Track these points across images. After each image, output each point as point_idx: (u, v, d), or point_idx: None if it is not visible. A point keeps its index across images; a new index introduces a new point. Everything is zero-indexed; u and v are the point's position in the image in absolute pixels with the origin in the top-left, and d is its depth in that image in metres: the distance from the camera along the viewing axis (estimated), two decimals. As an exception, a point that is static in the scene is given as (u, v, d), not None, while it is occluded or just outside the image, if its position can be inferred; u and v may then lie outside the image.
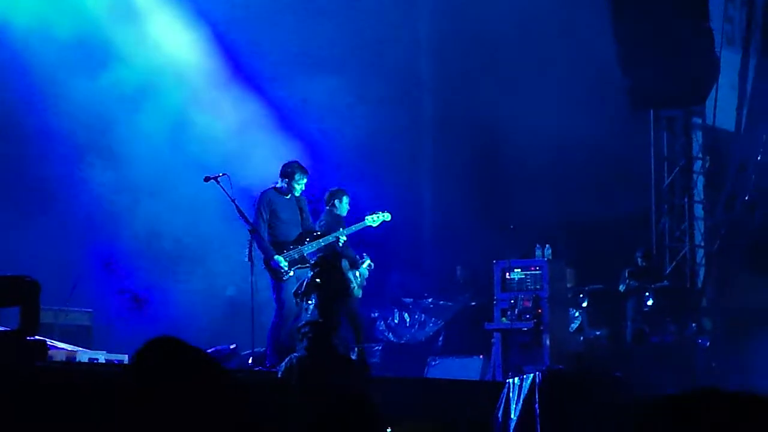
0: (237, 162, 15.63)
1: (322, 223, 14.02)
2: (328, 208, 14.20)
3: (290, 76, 18.17)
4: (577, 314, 17.08)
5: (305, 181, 13.50)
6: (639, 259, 17.51)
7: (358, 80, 18.27)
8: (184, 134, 17.19)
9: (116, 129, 16.76)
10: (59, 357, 11.13)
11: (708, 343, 16.81)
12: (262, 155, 16.54)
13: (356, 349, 13.03)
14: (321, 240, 13.44)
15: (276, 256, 13.05)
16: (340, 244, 13.66)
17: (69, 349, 11.75)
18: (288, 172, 13.44)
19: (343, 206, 14.16)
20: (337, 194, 14.23)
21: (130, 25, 16.99)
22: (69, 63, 16.20)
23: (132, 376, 3.41)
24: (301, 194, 13.51)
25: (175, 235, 16.82)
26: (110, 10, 16.75)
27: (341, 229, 13.79)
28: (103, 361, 11.32)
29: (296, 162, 13.69)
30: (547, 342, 15.39)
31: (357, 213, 14.28)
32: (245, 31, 17.83)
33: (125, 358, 11.29)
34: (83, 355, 11.50)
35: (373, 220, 14.00)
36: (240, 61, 17.95)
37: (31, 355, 9.78)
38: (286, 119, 18.19)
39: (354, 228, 13.94)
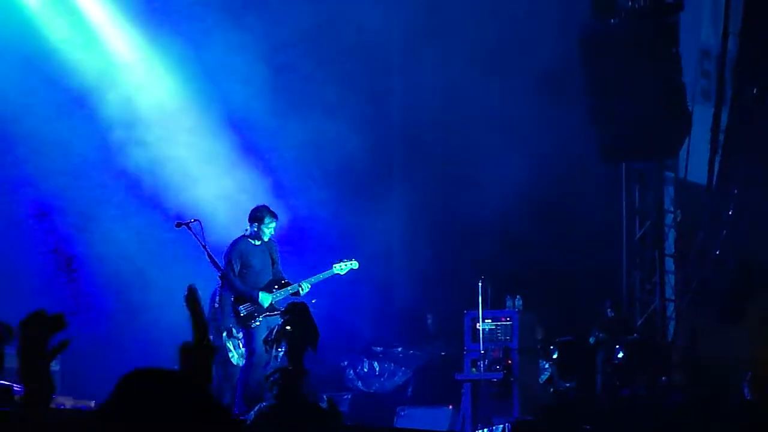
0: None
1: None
2: None
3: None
4: (547, 366, 17.00)
5: (275, 225, 13.44)
6: (608, 310, 17.48)
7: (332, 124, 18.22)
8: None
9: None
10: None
11: (679, 398, 16.74)
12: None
13: (326, 398, 12.85)
14: (289, 288, 13.35)
15: (262, 293, 12.95)
16: (303, 293, 13.58)
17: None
18: (258, 216, 13.38)
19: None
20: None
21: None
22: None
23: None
24: (270, 238, 13.41)
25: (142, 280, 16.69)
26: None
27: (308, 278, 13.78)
28: (69, 408, 11.16)
29: (265, 206, 13.62)
30: (517, 393, 15.32)
31: (325, 261, 14.17)
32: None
33: (92, 404, 11.14)
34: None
35: (341, 268, 13.90)
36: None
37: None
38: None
39: (321, 276, 13.85)
